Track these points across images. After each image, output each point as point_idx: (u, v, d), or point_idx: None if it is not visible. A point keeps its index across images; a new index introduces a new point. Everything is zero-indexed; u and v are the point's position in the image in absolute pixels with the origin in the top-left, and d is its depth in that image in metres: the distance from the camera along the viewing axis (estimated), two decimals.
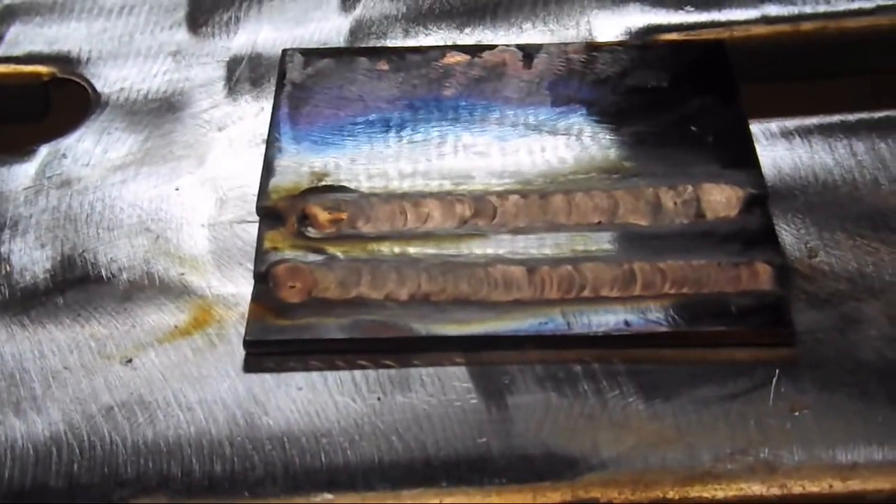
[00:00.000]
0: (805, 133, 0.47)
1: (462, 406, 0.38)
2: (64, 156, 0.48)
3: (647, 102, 0.47)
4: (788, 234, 0.43)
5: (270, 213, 0.44)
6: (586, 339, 0.39)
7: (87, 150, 0.48)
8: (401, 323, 0.40)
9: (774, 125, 0.48)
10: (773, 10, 0.53)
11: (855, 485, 0.35)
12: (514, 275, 0.41)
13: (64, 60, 0.52)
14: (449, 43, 0.52)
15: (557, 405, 0.38)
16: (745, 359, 0.39)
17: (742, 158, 0.44)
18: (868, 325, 0.39)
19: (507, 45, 0.50)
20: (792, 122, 0.48)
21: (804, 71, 0.53)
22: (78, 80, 0.52)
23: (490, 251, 0.42)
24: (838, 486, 0.35)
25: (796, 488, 0.35)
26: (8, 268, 0.42)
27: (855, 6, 0.53)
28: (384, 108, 0.47)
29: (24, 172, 0.47)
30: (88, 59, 0.52)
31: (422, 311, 0.40)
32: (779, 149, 0.47)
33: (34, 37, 0.53)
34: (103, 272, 0.43)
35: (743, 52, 0.51)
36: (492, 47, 0.50)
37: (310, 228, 0.43)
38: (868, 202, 0.44)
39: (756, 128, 0.47)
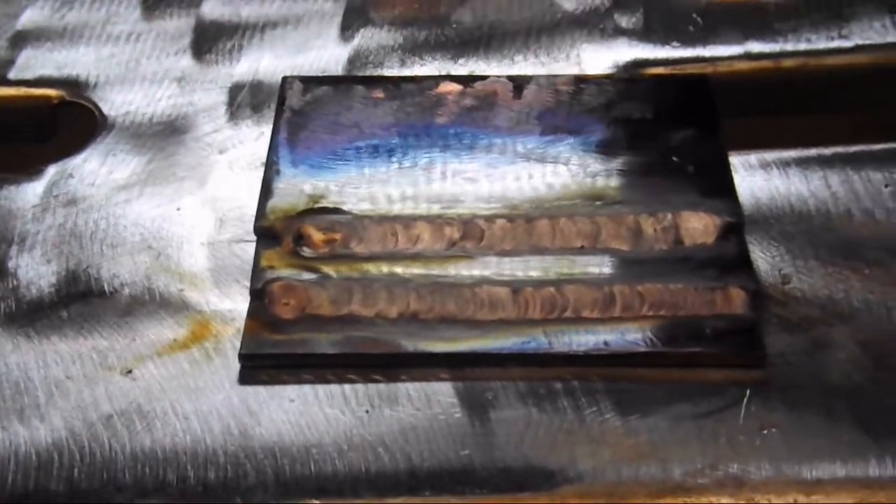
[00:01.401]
0: (783, 165, 0.49)
1: (447, 420, 0.40)
2: (71, 175, 0.50)
3: (632, 133, 0.49)
4: (763, 261, 0.45)
5: (267, 232, 0.45)
6: (567, 357, 0.41)
7: (92, 170, 0.50)
8: (390, 339, 0.42)
9: (754, 157, 0.49)
10: (755, 47, 0.55)
11: (819, 499, 0.37)
12: (499, 295, 0.43)
13: (72, 84, 0.54)
14: (443, 73, 0.54)
15: (538, 420, 0.39)
16: (718, 379, 0.41)
17: (720, 188, 0.46)
18: (837, 349, 0.41)
19: (498, 77, 0.52)
20: (771, 155, 0.50)
21: (785, 106, 0.55)
22: (85, 103, 0.53)
23: (477, 272, 0.44)
24: (803, 500, 0.37)
25: (763, 501, 0.37)
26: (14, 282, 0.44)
27: (834, 45, 0.55)
28: (379, 135, 0.49)
29: (32, 191, 0.49)
30: (96, 84, 0.54)
31: (410, 328, 0.42)
32: (757, 179, 0.48)
33: (44, 61, 0.55)
34: (106, 287, 0.45)
35: (726, 87, 0.53)
36: (484, 78, 0.52)
37: (305, 248, 0.45)
38: (841, 232, 0.46)
39: (736, 159, 0.49)
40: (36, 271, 0.45)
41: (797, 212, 0.47)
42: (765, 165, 0.49)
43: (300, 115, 0.50)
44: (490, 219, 0.46)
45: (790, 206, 0.47)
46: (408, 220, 0.46)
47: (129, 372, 0.41)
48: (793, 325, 0.42)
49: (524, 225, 0.45)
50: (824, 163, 0.49)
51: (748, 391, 0.40)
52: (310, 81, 0.52)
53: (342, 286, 0.43)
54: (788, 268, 0.45)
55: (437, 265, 0.44)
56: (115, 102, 0.53)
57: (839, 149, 0.50)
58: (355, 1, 0.58)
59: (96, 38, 0.56)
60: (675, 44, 0.56)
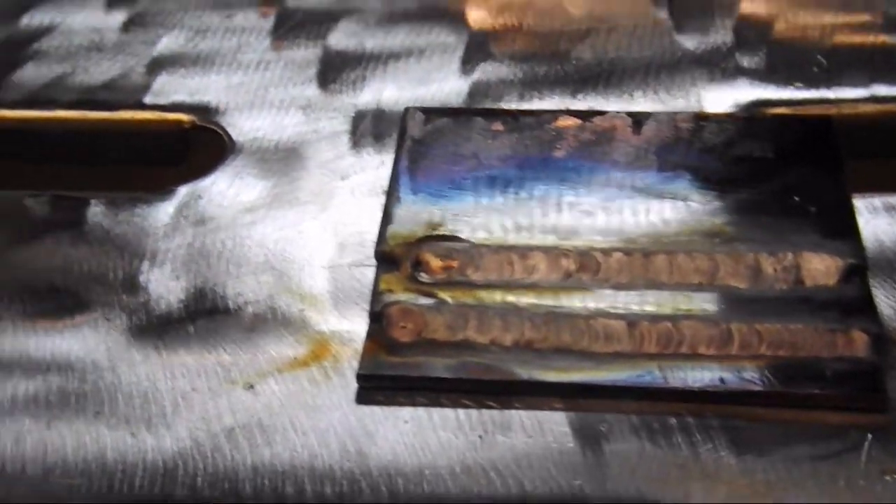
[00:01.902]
0: None
1: (559, 448, 0.40)
2: (200, 196, 0.52)
3: (752, 172, 0.49)
4: (887, 305, 0.44)
5: (387, 257, 0.47)
6: (682, 393, 0.41)
7: (220, 191, 0.52)
8: (504, 367, 0.42)
9: (878, 200, 0.49)
10: (882, 90, 0.54)
11: None
12: (615, 328, 0.43)
13: (203, 110, 0.56)
14: (562, 108, 0.54)
15: (651, 454, 0.39)
16: (837, 422, 0.40)
17: (843, 229, 0.46)
18: None
19: (617, 112, 0.52)
20: None
21: None
22: (215, 128, 0.56)
23: (592, 304, 0.44)
24: None
25: None
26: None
27: None
28: (497, 166, 0.50)
29: (163, 210, 0.51)
30: (226, 110, 0.56)
31: (525, 357, 0.42)
32: (881, 222, 0.48)
33: (178, 87, 0.58)
34: (231, 305, 0.46)
35: (851, 129, 0.53)
36: (603, 113, 0.52)
37: (422, 274, 0.46)
38: None
39: (860, 202, 0.48)
40: (165, 287, 0.47)
41: None
42: (889, 209, 0.48)
43: (421, 144, 0.52)
44: (607, 252, 0.46)
45: None
46: (524, 251, 0.46)
47: (251, 387, 0.43)
48: None
49: (641, 259, 0.45)
50: None
51: (869, 435, 0.39)
52: (431, 112, 0.53)
53: (458, 312, 0.44)
54: None
55: (552, 295, 0.45)
56: (243, 128, 0.55)
57: None
58: (477, 35, 0.59)
59: (227, 65, 0.59)
60: (798, 84, 0.55)
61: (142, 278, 0.48)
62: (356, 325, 0.45)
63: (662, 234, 0.47)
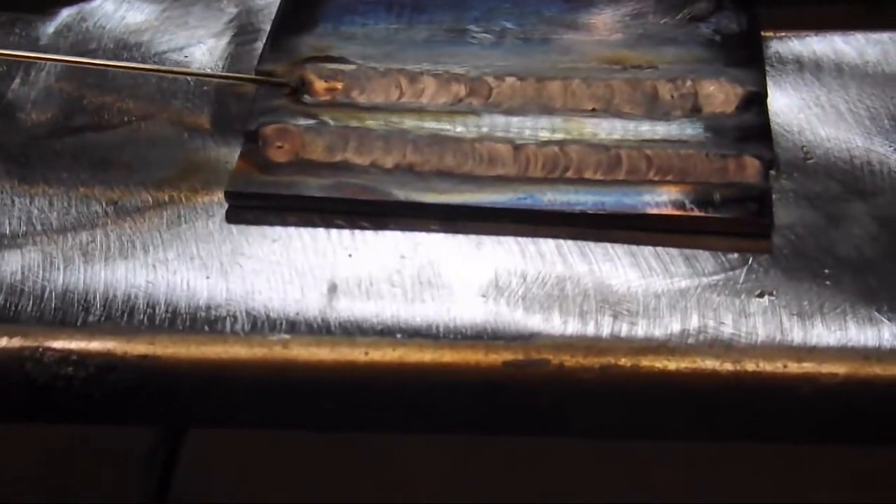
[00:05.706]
0: (822, 44, 0.46)
1: (431, 267, 0.38)
2: (84, 19, 0.49)
3: (662, 3, 0.47)
4: (786, 135, 0.42)
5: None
6: (562, 216, 0.39)
7: (106, 14, 0.49)
8: (381, 188, 0.40)
9: (794, 37, 0.46)
10: None
11: (809, 367, 0.35)
12: (500, 151, 0.41)
13: None
14: None
15: (523, 272, 0.38)
16: (721, 246, 0.38)
17: (746, 58, 0.44)
18: (852, 224, 0.39)
19: None
20: (814, 37, 0.47)
21: None
22: None
23: (480, 129, 0.42)
24: (793, 367, 0.35)
25: (750, 366, 0.35)
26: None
27: None
28: None
29: (43, 31, 0.48)
30: None
31: (404, 178, 0.40)
32: (791, 56, 0.45)
33: None
34: (103, 124, 0.44)
35: None
36: None
37: (306, 95, 0.43)
38: (870, 109, 0.43)
39: (775, 40, 0.46)
40: (34, 105, 0.45)
41: (827, 88, 0.44)
42: (804, 44, 0.46)
43: None
44: (500, 77, 0.44)
45: (820, 83, 0.44)
46: (414, 74, 0.44)
47: (115, 203, 0.41)
48: (809, 198, 0.40)
49: (535, 84, 0.43)
50: (871, 43, 0.46)
51: (750, 258, 0.38)
52: None
53: (338, 133, 0.42)
54: (812, 143, 0.42)
55: (439, 119, 0.42)
56: None
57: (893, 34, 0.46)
58: None
59: None
60: None
61: (10, 95, 0.45)
62: (233, 148, 0.43)
63: (560, 60, 0.44)
